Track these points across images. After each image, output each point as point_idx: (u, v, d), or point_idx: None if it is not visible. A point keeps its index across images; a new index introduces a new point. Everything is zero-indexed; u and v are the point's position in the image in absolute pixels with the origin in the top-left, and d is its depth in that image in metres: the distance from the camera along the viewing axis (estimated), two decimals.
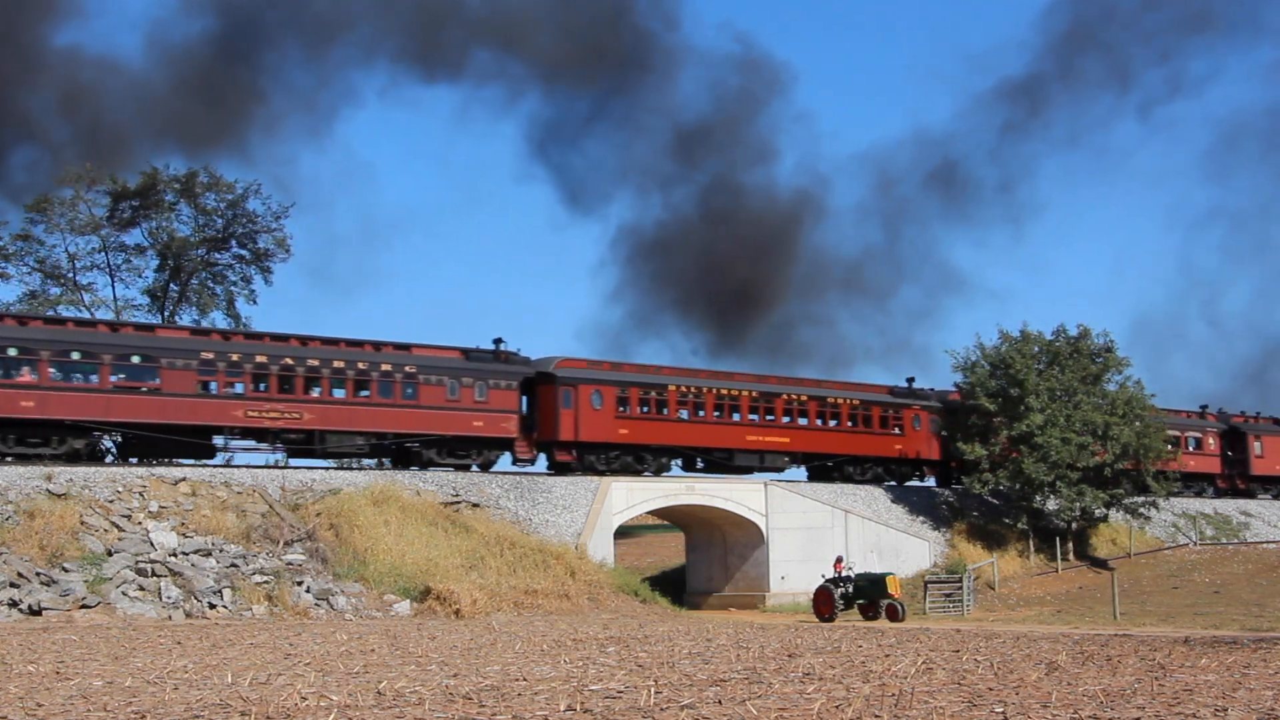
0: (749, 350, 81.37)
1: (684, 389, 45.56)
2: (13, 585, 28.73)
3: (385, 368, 39.48)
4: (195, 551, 32.03)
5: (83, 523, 31.59)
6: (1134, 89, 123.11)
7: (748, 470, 47.11)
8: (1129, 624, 32.52)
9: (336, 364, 38.85)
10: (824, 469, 49.72)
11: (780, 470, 48.53)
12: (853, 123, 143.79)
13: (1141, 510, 49.26)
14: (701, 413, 45.96)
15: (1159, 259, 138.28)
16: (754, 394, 47.40)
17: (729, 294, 77.25)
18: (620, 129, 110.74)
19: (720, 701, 14.21)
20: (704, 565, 47.46)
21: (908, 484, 52.20)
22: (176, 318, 54.72)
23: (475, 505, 39.11)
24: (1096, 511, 48.03)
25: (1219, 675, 17.16)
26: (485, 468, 42.10)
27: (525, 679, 16.61)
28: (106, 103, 59.61)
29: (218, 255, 56.54)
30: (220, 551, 32.45)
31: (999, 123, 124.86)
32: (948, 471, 52.39)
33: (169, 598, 30.16)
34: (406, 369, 39.87)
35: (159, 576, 30.72)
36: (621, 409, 43.73)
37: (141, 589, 30.25)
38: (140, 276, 55.96)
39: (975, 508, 50.28)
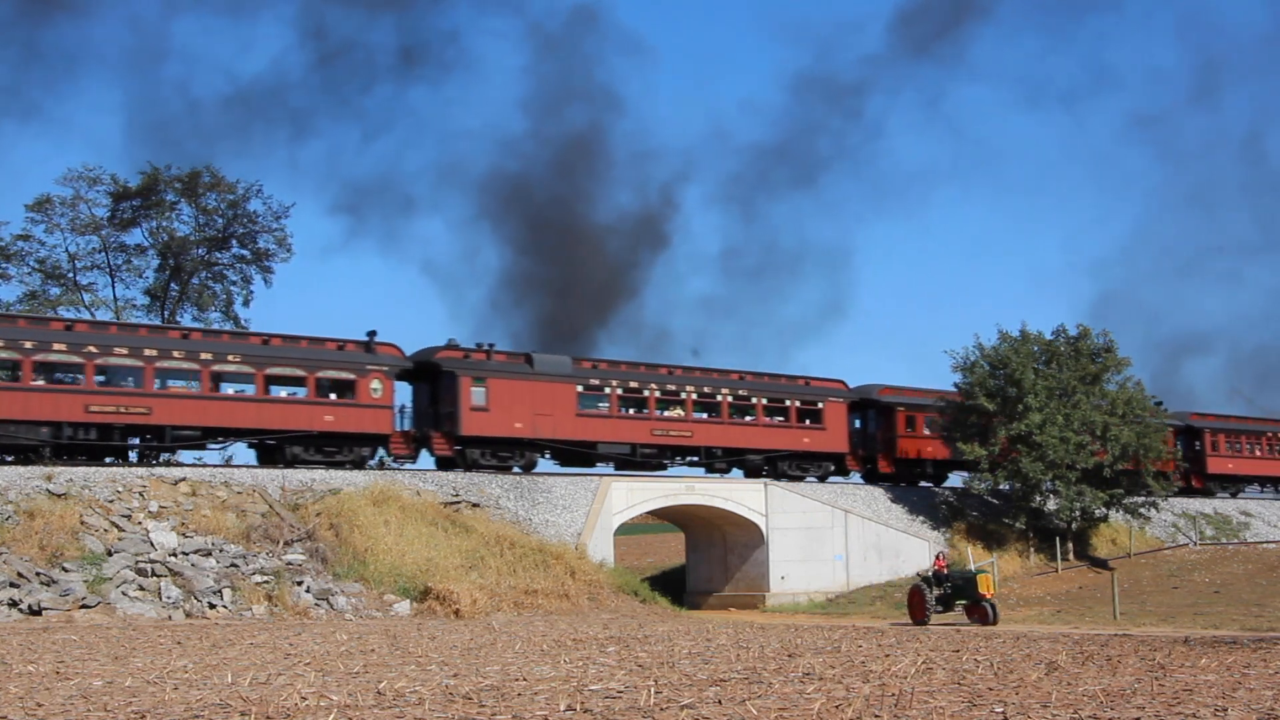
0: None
1: None
2: (13, 585, 28.73)
3: None
4: (195, 551, 32.03)
5: (83, 523, 31.59)
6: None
7: None
8: (1129, 624, 32.49)
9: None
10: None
11: None
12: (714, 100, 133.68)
13: (1141, 510, 49.29)
14: None
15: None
16: None
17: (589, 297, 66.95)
18: (426, 123, 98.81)
19: (720, 701, 14.20)
20: (704, 565, 47.48)
21: (918, 485, 51.96)
22: (177, 318, 54.77)
23: (475, 505, 39.13)
24: (1096, 511, 48.03)
25: (1219, 675, 17.15)
26: None
27: (525, 679, 16.61)
28: None
29: (218, 255, 56.60)
30: (220, 551, 32.45)
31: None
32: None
33: (169, 598, 30.16)
34: None
35: (159, 576, 30.72)
36: None
37: (141, 589, 30.25)
38: (140, 277, 56.10)
39: (975, 507, 50.28)
